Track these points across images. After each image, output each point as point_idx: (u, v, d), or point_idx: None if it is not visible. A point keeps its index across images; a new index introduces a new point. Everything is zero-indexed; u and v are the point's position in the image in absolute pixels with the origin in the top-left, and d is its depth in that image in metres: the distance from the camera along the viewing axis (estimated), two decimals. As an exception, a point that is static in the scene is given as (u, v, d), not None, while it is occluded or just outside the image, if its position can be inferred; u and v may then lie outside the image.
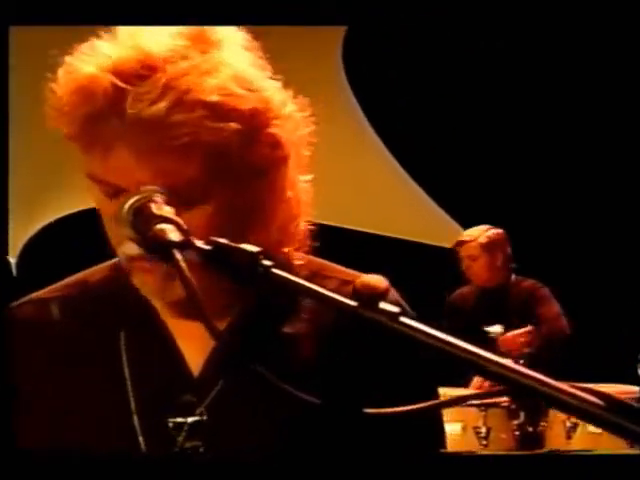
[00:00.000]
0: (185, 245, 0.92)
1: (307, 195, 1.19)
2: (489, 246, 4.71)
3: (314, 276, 1.22)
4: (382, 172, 6.34)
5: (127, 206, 1.01)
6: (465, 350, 0.82)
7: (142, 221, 0.97)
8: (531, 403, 3.99)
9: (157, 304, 1.19)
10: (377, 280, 0.87)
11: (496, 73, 5.83)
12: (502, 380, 0.80)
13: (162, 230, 0.93)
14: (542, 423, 4.01)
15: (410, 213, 6.35)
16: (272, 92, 1.12)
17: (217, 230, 1.07)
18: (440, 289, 4.97)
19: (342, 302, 0.86)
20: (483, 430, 3.82)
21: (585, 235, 5.67)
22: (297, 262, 1.21)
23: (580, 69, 5.65)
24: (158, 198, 1.01)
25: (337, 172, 5.97)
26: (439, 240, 5.69)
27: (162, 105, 1.02)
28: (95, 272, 1.27)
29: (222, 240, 0.93)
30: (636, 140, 5.49)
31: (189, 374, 1.17)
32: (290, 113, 1.14)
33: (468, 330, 4.58)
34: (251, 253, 0.91)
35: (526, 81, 5.78)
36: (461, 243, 4.83)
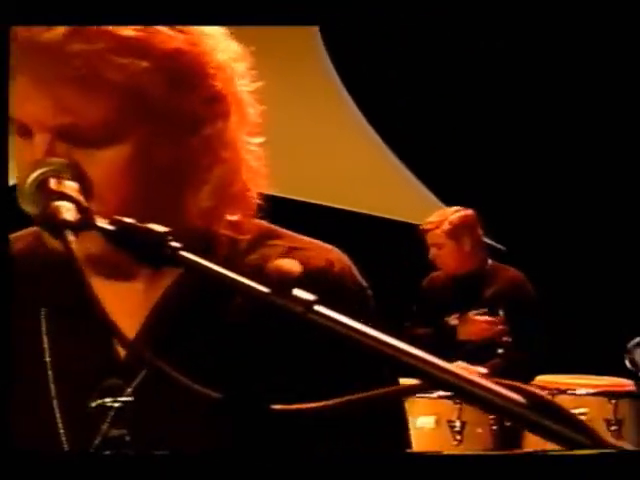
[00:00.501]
0: (83, 225, 0.90)
1: (257, 160, 1.16)
2: (454, 232, 4.52)
3: (257, 244, 1.20)
4: (366, 150, 6.36)
5: (30, 180, 0.99)
6: (384, 343, 0.80)
7: (41, 197, 0.95)
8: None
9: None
10: (291, 264, 0.86)
11: (481, 51, 5.84)
12: (423, 375, 0.78)
13: (57, 208, 0.91)
14: (522, 417, 3.98)
15: (393, 191, 6.37)
16: (209, 37, 1.09)
17: (137, 179, 1.07)
18: (422, 269, 4.91)
19: (252, 287, 0.85)
20: (457, 424, 3.74)
21: (578, 229, 5.69)
22: (240, 229, 1.18)
23: (578, 68, 5.67)
24: (65, 173, 0.99)
25: (319, 150, 6.03)
26: (422, 219, 5.68)
27: (59, 31, 1.00)
28: (18, 239, 1.24)
29: (127, 219, 0.91)
30: (632, 138, 5.52)
31: (115, 354, 1.14)
32: (228, 62, 1.11)
33: (436, 318, 4.53)
34: (158, 234, 0.89)
35: (515, 65, 5.80)
36: (425, 231, 4.65)
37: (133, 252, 0.90)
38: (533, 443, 3.87)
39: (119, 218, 0.91)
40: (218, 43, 1.11)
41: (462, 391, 0.75)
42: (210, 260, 0.87)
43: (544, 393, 0.76)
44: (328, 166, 6.17)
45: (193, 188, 1.11)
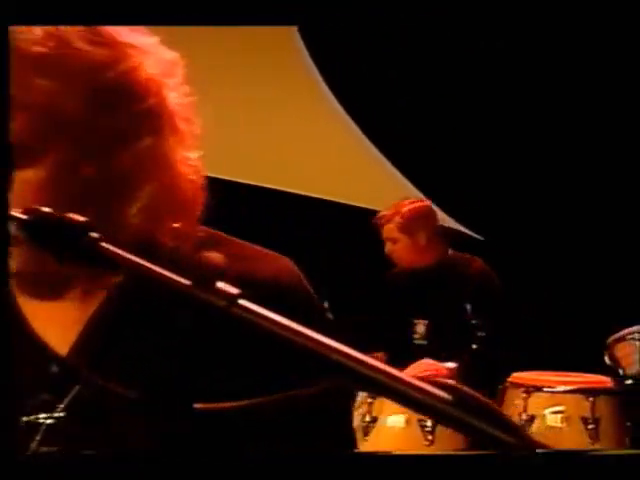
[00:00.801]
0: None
1: (196, 174, 1.15)
2: (407, 226, 4.39)
3: (196, 251, 1.18)
4: (344, 139, 6.39)
5: None
6: (308, 338, 0.80)
7: None
8: (482, 393, 3.96)
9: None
10: (214, 257, 0.85)
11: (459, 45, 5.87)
12: (344, 371, 0.78)
13: None
14: (495, 416, 3.98)
15: (371, 181, 6.41)
16: (137, 50, 1.08)
17: (58, 198, 1.05)
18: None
19: (174, 280, 0.84)
20: (429, 423, 3.66)
21: (560, 222, 5.72)
22: (182, 238, 1.17)
23: (577, 69, 5.70)
24: None
25: (297, 140, 6.07)
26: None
27: None
28: None
29: (44, 209, 0.90)
30: (632, 141, 5.56)
31: (48, 369, 1.13)
32: (158, 77, 1.10)
33: (402, 317, 4.47)
34: (77, 223, 0.88)
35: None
36: (378, 225, 4.50)
37: (50, 244, 0.89)
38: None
39: (35, 207, 0.90)
40: (147, 57, 1.10)
41: (385, 388, 0.75)
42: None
43: (475, 392, 0.76)
44: (311, 157, 6.22)
45: (122, 205, 1.10)
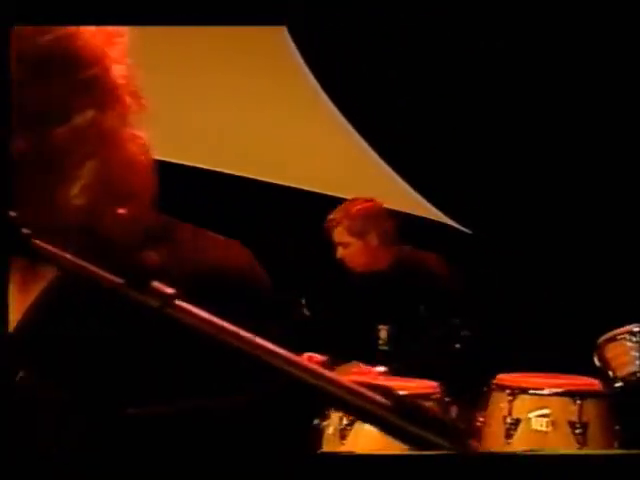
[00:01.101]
0: None
1: (144, 154, 1.13)
2: (357, 228, 4.35)
3: (152, 239, 1.15)
4: (333, 133, 6.41)
5: None
6: (243, 340, 0.80)
7: None
8: (466, 395, 3.97)
9: None
10: (147, 255, 0.85)
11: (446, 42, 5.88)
12: (280, 375, 0.78)
13: None
14: (480, 419, 3.99)
15: (360, 175, 6.43)
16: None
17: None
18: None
19: (107, 279, 0.84)
20: None
21: (552, 219, 5.73)
22: (130, 225, 1.16)
23: (576, 69, 5.72)
24: None
25: (287, 133, 6.09)
26: (389, 203, 5.71)
27: None
28: None
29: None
30: (630, 141, 5.58)
31: None
32: (101, 46, 1.08)
33: (365, 322, 4.41)
34: (8, 219, 0.88)
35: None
36: (327, 229, 4.44)
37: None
38: (490, 447, 3.89)
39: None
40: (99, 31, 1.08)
41: (320, 391, 0.75)
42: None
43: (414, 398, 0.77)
44: (291, 148, 6.25)
45: (63, 183, 1.07)
